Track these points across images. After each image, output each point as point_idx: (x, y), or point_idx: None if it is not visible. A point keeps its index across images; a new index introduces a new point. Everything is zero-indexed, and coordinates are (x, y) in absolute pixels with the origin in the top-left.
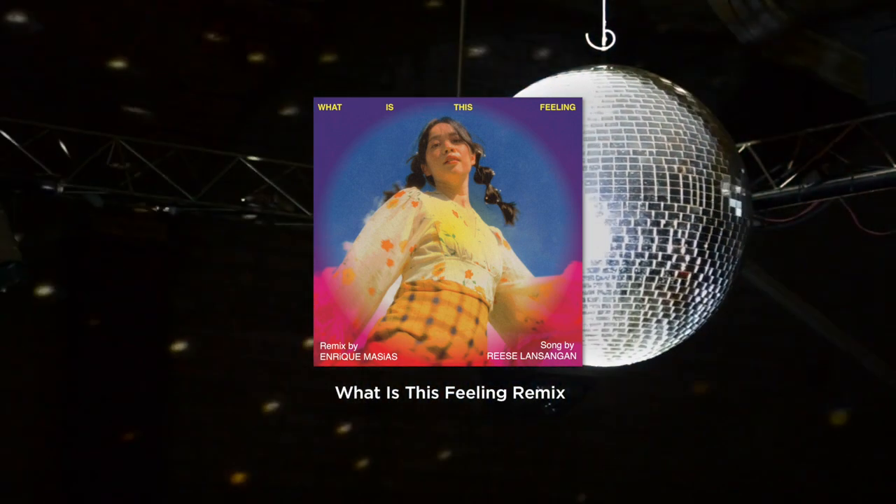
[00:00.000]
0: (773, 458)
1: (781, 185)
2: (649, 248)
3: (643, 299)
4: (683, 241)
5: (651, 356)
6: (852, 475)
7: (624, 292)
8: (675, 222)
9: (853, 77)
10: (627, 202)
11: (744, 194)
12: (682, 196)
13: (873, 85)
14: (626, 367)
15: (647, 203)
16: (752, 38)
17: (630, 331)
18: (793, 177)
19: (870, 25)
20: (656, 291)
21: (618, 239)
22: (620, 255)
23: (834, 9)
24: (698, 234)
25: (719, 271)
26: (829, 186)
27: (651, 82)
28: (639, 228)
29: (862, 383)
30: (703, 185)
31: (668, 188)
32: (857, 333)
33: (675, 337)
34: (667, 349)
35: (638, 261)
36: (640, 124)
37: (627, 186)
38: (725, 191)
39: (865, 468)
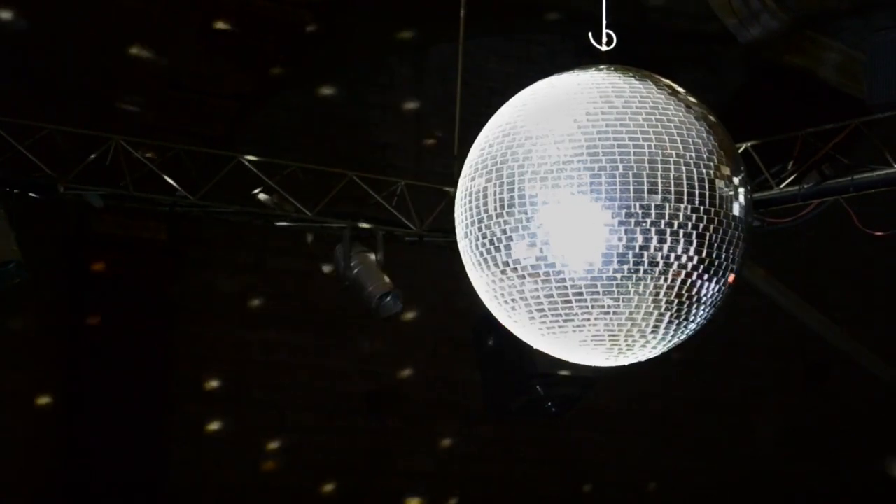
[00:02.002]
0: (773, 458)
1: (781, 185)
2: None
3: (673, 301)
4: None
5: (652, 356)
6: (852, 475)
7: (657, 293)
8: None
9: (853, 77)
10: (672, 203)
11: (744, 194)
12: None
13: (873, 85)
14: (625, 367)
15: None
16: (752, 38)
17: (652, 332)
18: (793, 177)
19: (870, 25)
20: (684, 293)
21: (660, 239)
22: (661, 256)
23: (834, 9)
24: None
25: (721, 272)
26: (829, 186)
27: (651, 82)
28: (667, 230)
29: (862, 383)
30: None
31: (673, 188)
32: (857, 333)
33: (678, 338)
34: (668, 349)
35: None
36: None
37: (666, 186)
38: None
39: (865, 468)
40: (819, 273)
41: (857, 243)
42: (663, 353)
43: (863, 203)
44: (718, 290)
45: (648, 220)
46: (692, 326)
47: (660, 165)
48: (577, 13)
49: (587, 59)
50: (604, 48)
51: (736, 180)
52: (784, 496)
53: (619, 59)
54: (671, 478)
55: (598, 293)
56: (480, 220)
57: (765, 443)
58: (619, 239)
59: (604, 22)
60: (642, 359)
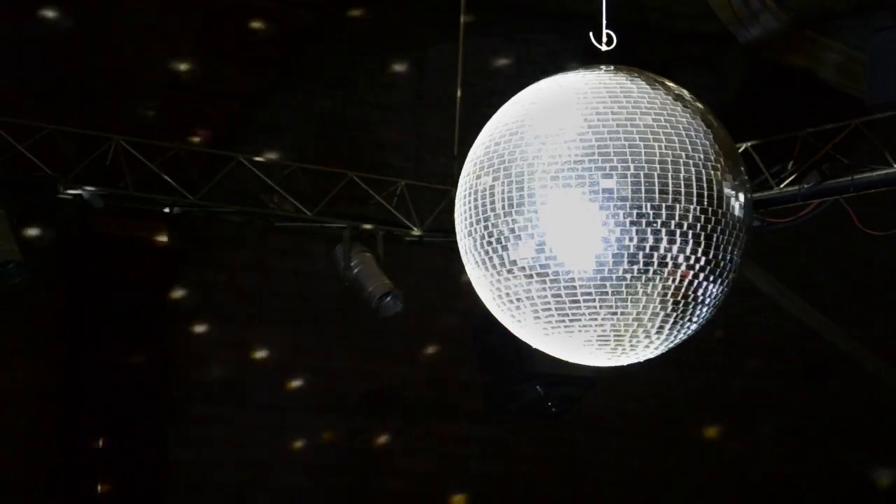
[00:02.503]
0: (773, 458)
1: (781, 185)
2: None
3: (680, 302)
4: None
5: (652, 356)
6: (852, 476)
7: (665, 294)
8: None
9: (853, 77)
10: (682, 204)
11: (745, 195)
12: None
13: (873, 85)
14: (625, 366)
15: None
16: (752, 38)
17: (657, 332)
18: (793, 177)
19: (870, 25)
20: (690, 294)
21: (669, 240)
22: (670, 257)
23: (834, 9)
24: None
25: (725, 273)
26: (829, 186)
27: (657, 82)
28: (677, 230)
29: (862, 383)
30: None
31: (683, 189)
32: (857, 333)
33: (679, 338)
34: (668, 349)
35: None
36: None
37: (676, 187)
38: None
39: (865, 468)
40: (819, 273)
41: (857, 243)
42: (663, 353)
43: (863, 203)
44: (721, 291)
45: (659, 221)
46: (693, 327)
47: (670, 166)
48: (578, 13)
49: (588, 58)
50: (604, 48)
51: (738, 182)
52: (784, 496)
53: (619, 59)
54: (671, 478)
55: (606, 293)
56: (486, 219)
57: (765, 443)
58: (631, 239)
59: (604, 22)
60: (643, 359)
